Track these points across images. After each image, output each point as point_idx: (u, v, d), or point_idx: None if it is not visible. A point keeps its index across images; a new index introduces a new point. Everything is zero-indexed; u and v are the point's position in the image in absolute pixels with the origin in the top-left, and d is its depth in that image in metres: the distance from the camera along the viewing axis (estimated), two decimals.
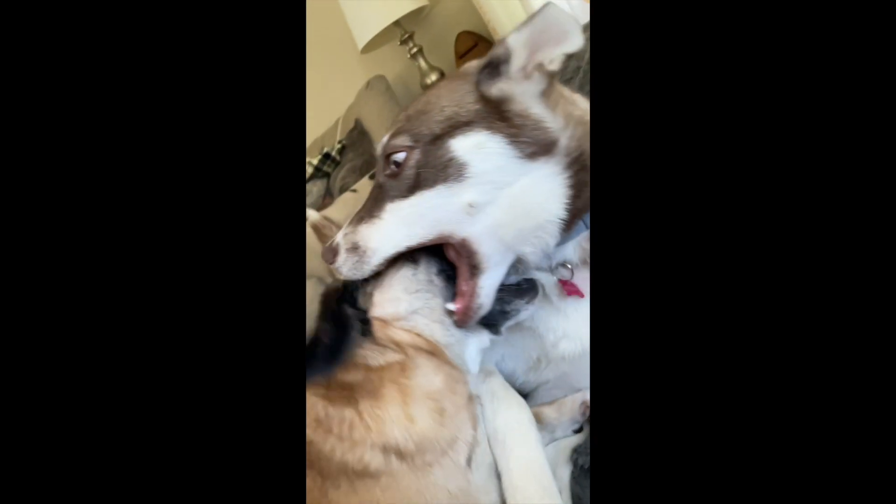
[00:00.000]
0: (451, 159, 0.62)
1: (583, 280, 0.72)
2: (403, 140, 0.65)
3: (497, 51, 0.66)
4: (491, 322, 0.70)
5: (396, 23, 2.16)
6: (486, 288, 0.66)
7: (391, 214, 0.65)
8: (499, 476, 0.65)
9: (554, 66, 0.65)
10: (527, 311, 0.71)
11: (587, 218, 0.69)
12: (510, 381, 0.77)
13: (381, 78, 2.36)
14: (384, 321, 0.66)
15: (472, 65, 0.70)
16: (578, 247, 0.72)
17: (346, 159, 2.30)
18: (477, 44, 2.20)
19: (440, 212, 0.63)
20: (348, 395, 0.62)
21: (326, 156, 2.33)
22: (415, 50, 2.29)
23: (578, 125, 0.67)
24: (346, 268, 0.67)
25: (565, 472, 0.70)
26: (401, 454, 0.58)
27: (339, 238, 0.69)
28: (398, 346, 0.65)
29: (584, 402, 0.76)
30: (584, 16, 1.42)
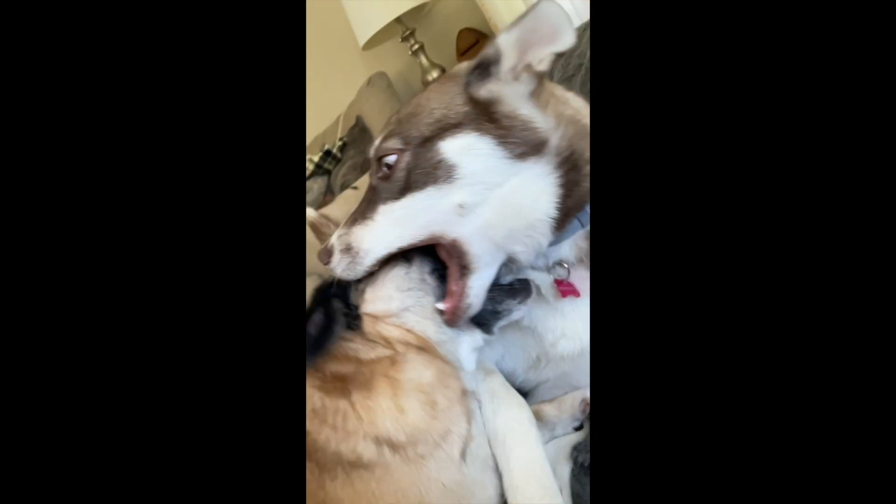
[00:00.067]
0: (440, 161, 0.63)
1: (580, 279, 0.72)
2: (394, 143, 0.66)
3: (487, 51, 0.66)
4: (483, 322, 0.71)
5: (398, 19, 2.16)
6: (476, 288, 0.66)
7: (383, 216, 0.66)
8: (495, 470, 0.65)
9: (543, 66, 0.64)
10: (519, 312, 0.72)
11: (582, 216, 0.69)
12: (510, 379, 0.76)
13: (382, 75, 2.36)
14: (374, 317, 0.67)
15: (463, 66, 0.70)
16: (574, 245, 0.72)
17: (347, 156, 2.30)
18: (478, 41, 2.19)
19: (431, 213, 0.64)
20: (342, 386, 0.63)
21: (327, 153, 2.33)
22: (416, 47, 2.29)
23: (570, 124, 0.67)
24: (341, 268, 0.68)
25: (565, 469, 0.70)
26: (393, 446, 0.59)
27: (334, 239, 0.70)
28: (386, 342, 0.66)
29: (583, 400, 0.76)
30: (587, 14, 1.41)
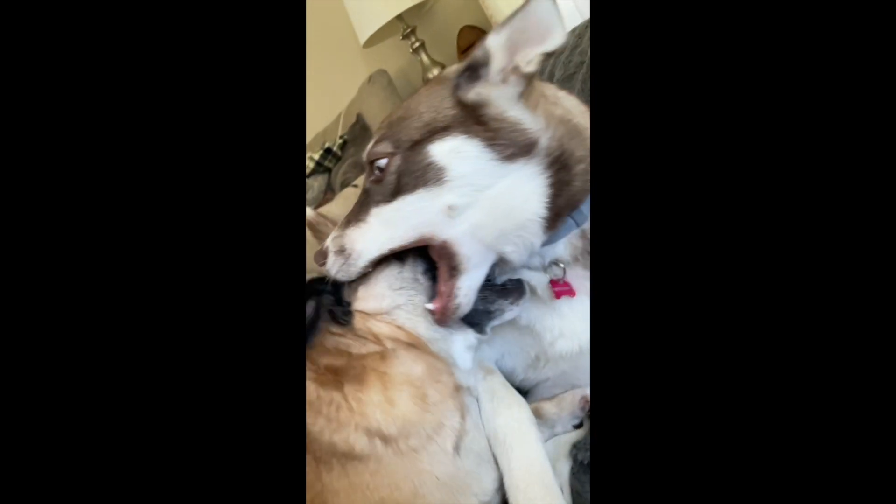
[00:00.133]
0: (429, 164, 0.64)
1: (576, 278, 0.72)
2: (385, 146, 0.67)
3: (476, 54, 0.66)
4: (475, 321, 0.71)
5: (399, 17, 2.15)
6: (465, 289, 0.67)
7: (375, 218, 0.67)
8: (491, 464, 0.66)
9: (531, 67, 0.64)
10: (512, 312, 0.72)
11: (577, 215, 0.69)
12: (510, 378, 0.76)
13: (383, 73, 2.36)
14: (365, 314, 0.69)
15: (453, 69, 0.71)
16: (569, 244, 0.71)
17: (347, 154, 2.30)
18: (479, 39, 2.19)
19: (421, 215, 0.65)
20: (335, 379, 0.65)
21: (328, 151, 2.33)
22: (417, 45, 2.29)
23: (560, 125, 0.67)
24: (335, 270, 0.69)
25: (565, 467, 0.70)
26: (384, 438, 0.60)
27: (329, 241, 0.71)
28: (375, 338, 0.67)
29: (583, 398, 0.76)
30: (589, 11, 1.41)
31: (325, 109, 2.64)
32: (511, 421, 0.68)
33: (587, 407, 0.76)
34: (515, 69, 0.64)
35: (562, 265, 0.71)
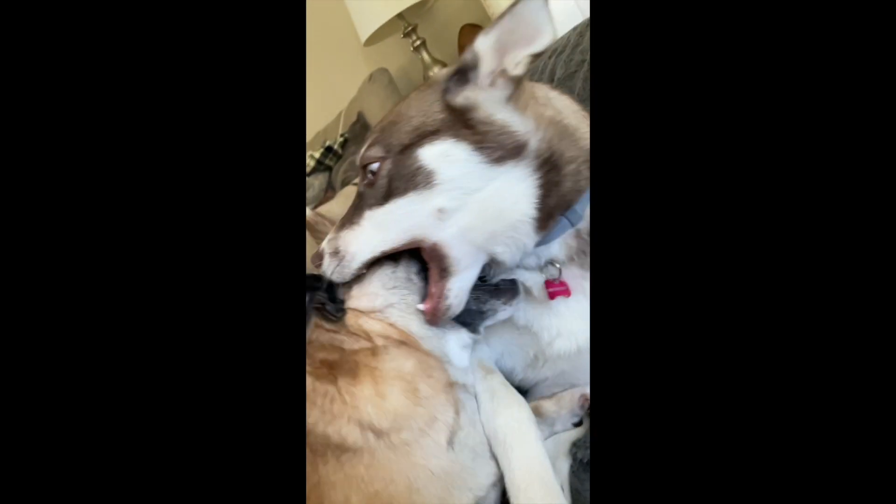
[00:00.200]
0: (419, 168, 0.64)
1: (571, 277, 0.73)
2: (376, 151, 0.68)
3: (465, 57, 0.66)
4: (468, 321, 0.72)
5: (400, 15, 2.15)
6: (455, 290, 0.67)
7: (368, 221, 0.68)
8: (487, 459, 0.67)
9: (519, 70, 0.65)
10: (505, 312, 0.72)
11: (570, 215, 0.69)
12: (509, 378, 0.76)
13: (383, 71, 2.36)
14: (358, 311, 0.70)
15: (442, 73, 0.71)
16: (564, 244, 0.72)
17: (348, 153, 2.30)
18: None
19: (412, 218, 0.66)
20: (330, 373, 0.66)
21: (328, 149, 2.33)
22: (418, 43, 2.29)
23: (550, 126, 0.67)
24: (330, 271, 0.70)
25: (564, 465, 0.70)
26: (376, 431, 0.61)
27: (325, 243, 0.73)
28: (366, 335, 0.68)
29: (582, 396, 0.76)
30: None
31: (325, 107, 2.65)
32: (511, 420, 0.68)
33: (586, 405, 0.76)
34: (503, 72, 0.65)
35: (557, 265, 0.71)
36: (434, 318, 0.68)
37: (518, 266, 0.72)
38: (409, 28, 2.26)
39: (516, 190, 0.65)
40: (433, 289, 0.68)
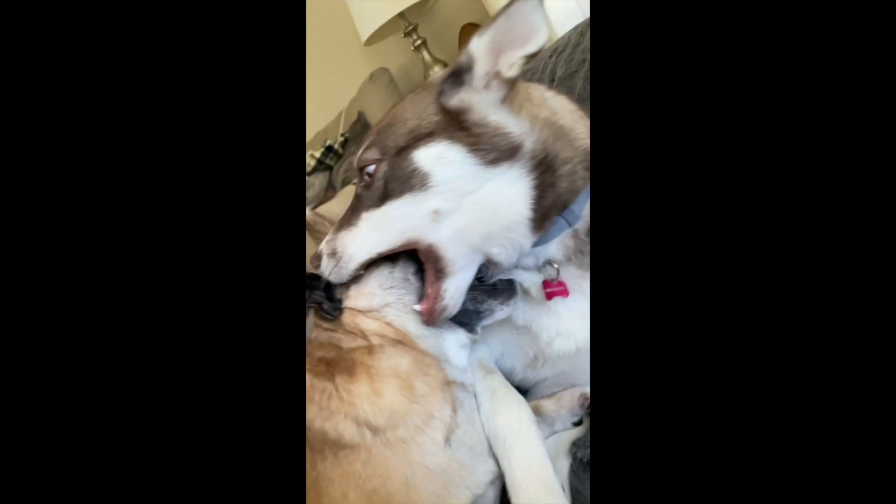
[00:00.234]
0: (414, 170, 0.65)
1: (569, 277, 0.73)
2: (372, 153, 0.69)
3: (461, 59, 0.66)
4: (465, 321, 0.72)
5: (400, 15, 2.15)
6: (452, 290, 0.68)
7: (365, 222, 0.69)
8: (485, 456, 0.67)
9: (513, 72, 0.65)
10: (502, 312, 0.73)
11: (568, 215, 0.69)
12: (510, 378, 0.77)
13: (384, 70, 2.36)
14: (355, 311, 0.71)
15: (438, 75, 0.72)
16: (562, 245, 0.72)
17: (348, 152, 2.31)
18: None
19: (408, 220, 0.66)
20: (327, 370, 0.67)
21: (329, 149, 2.33)
22: (419, 42, 2.29)
23: (545, 127, 0.67)
24: (328, 272, 0.71)
25: (564, 465, 0.70)
26: (372, 428, 0.62)
27: (323, 244, 0.73)
28: (362, 334, 0.70)
29: (582, 395, 0.76)
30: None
31: (326, 107, 2.65)
32: (511, 420, 0.68)
33: (586, 404, 0.76)
34: (497, 74, 0.65)
35: (555, 265, 0.71)
36: (430, 318, 0.69)
37: (516, 266, 0.72)
38: (410, 27, 2.26)
39: (511, 191, 0.65)
40: (429, 290, 0.68)
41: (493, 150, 0.64)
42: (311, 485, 0.62)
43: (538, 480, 0.63)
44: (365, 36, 2.21)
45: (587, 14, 1.45)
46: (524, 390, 0.79)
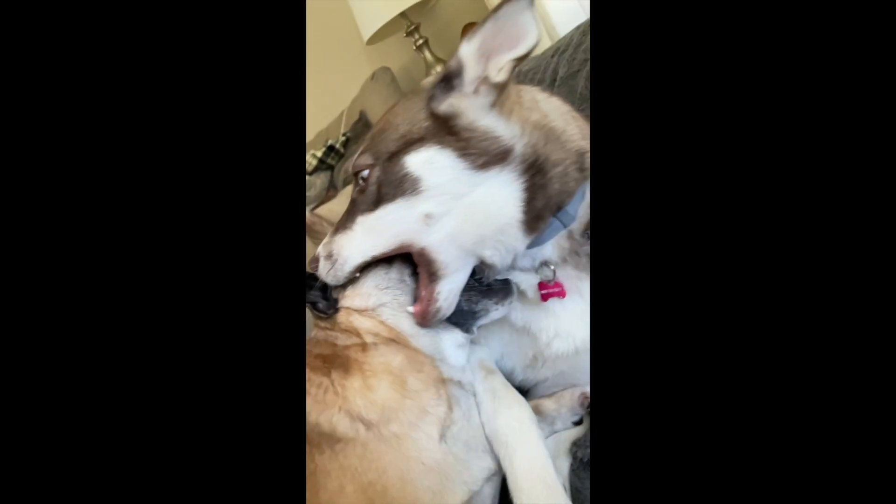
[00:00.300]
0: (405, 175, 0.66)
1: (566, 278, 0.72)
2: (366, 159, 0.70)
3: (451, 64, 0.67)
4: (461, 321, 0.73)
5: (402, 14, 2.15)
6: (445, 293, 0.69)
7: (360, 226, 0.70)
8: (481, 453, 0.68)
9: (501, 76, 0.65)
10: (497, 312, 0.73)
11: (563, 216, 0.69)
12: (510, 378, 0.77)
13: (386, 70, 2.36)
14: (350, 310, 0.73)
15: (429, 81, 0.72)
16: (557, 246, 0.72)
17: (350, 152, 2.31)
18: None
19: (401, 224, 0.67)
20: (324, 366, 0.68)
21: (331, 148, 2.33)
22: (420, 42, 2.29)
23: (535, 130, 0.68)
24: (324, 274, 0.72)
25: (565, 464, 0.70)
26: (366, 422, 0.63)
27: (320, 247, 0.75)
28: (356, 332, 0.71)
29: (582, 394, 0.76)
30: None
31: (328, 106, 2.65)
32: (512, 421, 0.68)
33: (586, 403, 0.76)
34: (485, 80, 0.65)
35: (551, 266, 0.72)
36: (424, 320, 0.70)
37: (513, 268, 0.73)
38: (412, 27, 2.26)
39: (502, 194, 0.65)
40: (423, 292, 0.69)
41: (482, 154, 0.65)
42: (309, 477, 0.63)
43: (540, 481, 0.63)
44: (367, 35, 2.21)
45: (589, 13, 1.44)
46: (525, 391, 0.79)
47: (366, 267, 0.72)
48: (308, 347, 0.72)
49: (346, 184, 2.13)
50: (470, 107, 0.66)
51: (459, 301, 0.71)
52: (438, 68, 2.25)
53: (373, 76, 2.36)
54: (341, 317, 0.73)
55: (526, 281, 0.73)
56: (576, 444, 0.71)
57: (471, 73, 0.65)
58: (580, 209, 0.70)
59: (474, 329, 0.75)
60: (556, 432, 0.77)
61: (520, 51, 0.63)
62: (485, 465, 0.67)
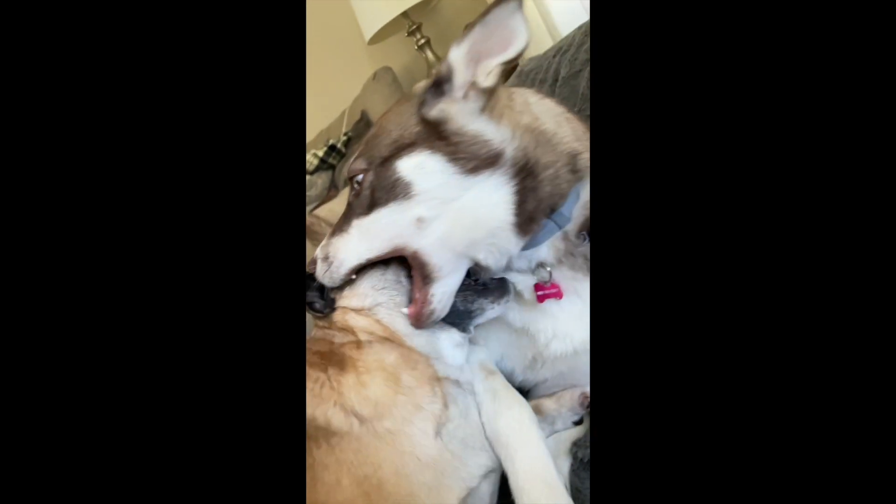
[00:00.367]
0: (397, 179, 0.67)
1: (562, 279, 0.72)
2: (360, 163, 0.71)
3: (440, 69, 0.67)
4: (457, 321, 0.74)
5: (404, 14, 2.15)
6: (439, 295, 0.69)
7: (356, 229, 0.71)
8: (478, 450, 0.67)
9: (489, 81, 0.65)
10: (493, 311, 0.74)
11: (557, 217, 0.69)
12: (510, 379, 0.77)
13: (387, 69, 2.36)
14: (346, 309, 0.75)
15: (420, 86, 0.72)
16: (552, 247, 0.72)
17: (351, 151, 2.31)
18: None
19: (394, 227, 0.68)
20: (321, 362, 0.70)
21: (332, 148, 2.33)
22: (422, 41, 2.29)
23: (525, 133, 0.68)
24: (321, 275, 0.74)
25: (565, 464, 0.70)
26: (359, 417, 0.64)
27: (318, 249, 0.76)
28: (351, 330, 0.73)
29: (582, 393, 0.76)
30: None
31: (329, 106, 2.65)
32: (513, 422, 0.69)
33: (586, 402, 0.76)
34: (473, 85, 0.65)
35: (547, 268, 0.71)
36: (418, 322, 0.71)
37: (509, 269, 0.73)
38: (414, 26, 2.26)
39: (493, 198, 0.66)
40: (416, 294, 0.70)
41: (472, 158, 0.65)
42: (307, 471, 0.64)
43: (541, 481, 0.64)
44: (368, 35, 2.21)
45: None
46: (525, 391, 0.79)
47: (362, 269, 0.73)
48: (308, 346, 0.73)
49: (346, 184, 2.13)
50: (459, 112, 0.66)
51: (455, 301, 0.72)
52: None
53: (374, 76, 2.36)
54: (338, 315, 0.75)
55: (523, 282, 0.74)
56: (576, 444, 0.72)
57: (460, 78, 0.66)
58: (575, 210, 0.70)
59: (471, 328, 0.75)
60: (556, 432, 0.77)
61: (509, 54, 0.64)
62: (482, 462, 0.67)
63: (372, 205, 0.69)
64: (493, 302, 0.73)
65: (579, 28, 1.29)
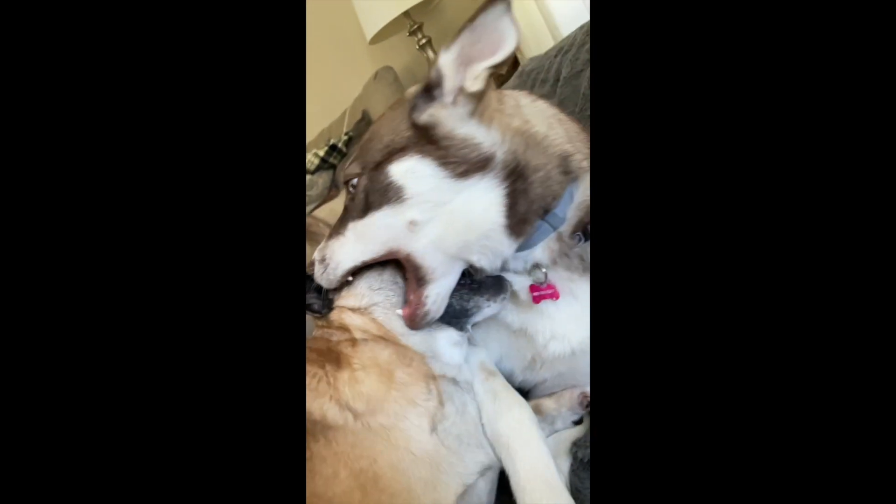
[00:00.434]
0: (390, 183, 0.68)
1: (558, 280, 0.73)
2: (354, 168, 0.72)
3: (431, 74, 0.68)
4: (454, 320, 0.74)
5: (405, 13, 2.16)
6: (433, 297, 0.70)
7: (352, 232, 0.73)
8: (475, 448, 0.68)
9: (477, 85, 0.65)
10: (490, 308, 0.74)
11: (551, 218, 0.70)
12: (510, 380, 0.78)
13: (388, 69, 2.36)
14: (343, 308, 0.76)
15: (412, 91, 0.73)
16: (547, 248, 0.72)
17: (352, 151, 2.30)
18: None
19: (388, 231, 0.69)
20: (318, 359, 0.71)
21: (333, 147, 2.33)
22: (423, 41, 2.29)
23: (516, 136, 0.68)
24: (318, 276, 0.75)
25: (565, 464, 0.70)
26: (354, 412, 0.66)
27: (316, 251, 0.77)
28: (346, 328, 0.75)
29: (582, 393, 0.77)
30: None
31: (330, 106, 2.65)
32: (513, 422, 0.69)
33: (586, 402, 0.77)
34: (461, 90, 0.66)
35: (543, 269, 0.72)
36: (413, 323, 0.72)
37: (504, 270, 0.74)
38: (415, 26, 2.26)
39: (484, 201, 0.66)
40: (411, 296, 0.71)
41: (462, 162, 0.65)
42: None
43: (542, 481, 0.64)
44: (370, 34, 2.21)
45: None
46: (525, 392, 0.79)
47: (359, 271, 0.74)
48: (308, 344, 0.75)
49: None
50: (448, 116, 0.66)
51: (451, 300, 0.72)
52: None
53: (375, 75, 2.36)
54: (335, 315, 0.76)
55: (519, 283, 0.74)
56: (576, 444, 0.72)
57: (449, 83, 0.66)
58: (569, 211, 0.71)
59: (468, 327, 0.76)
60: (556, 431, 0.77)
61: (499, 57, 0.64)
62: (479, 459, 0.67)
63: (366, 208, 0.70)
64: (489, 300, 0.73)
65: (581, 28, 1.29)
